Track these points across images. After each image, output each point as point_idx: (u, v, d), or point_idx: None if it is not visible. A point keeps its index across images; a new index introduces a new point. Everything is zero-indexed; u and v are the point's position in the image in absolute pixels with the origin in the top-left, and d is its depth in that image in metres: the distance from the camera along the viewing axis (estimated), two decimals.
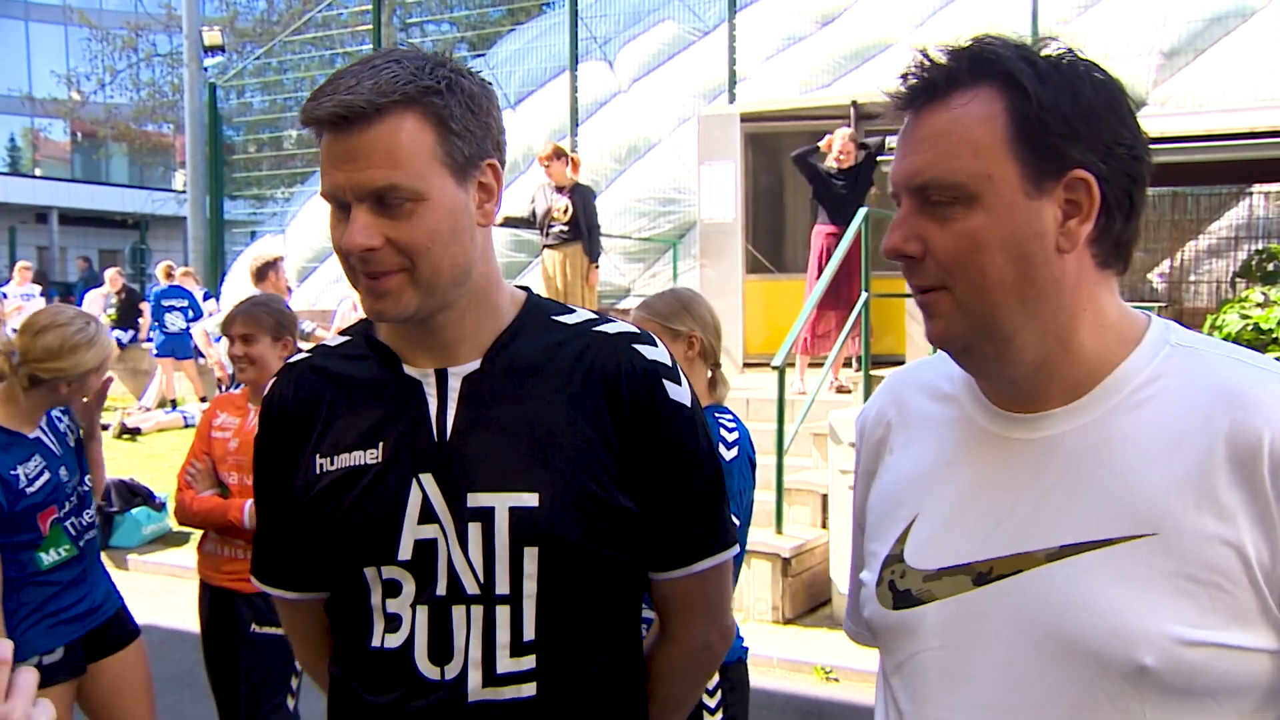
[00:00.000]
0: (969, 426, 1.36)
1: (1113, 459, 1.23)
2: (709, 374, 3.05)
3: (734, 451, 2.87)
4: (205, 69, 17.52)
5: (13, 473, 3.10)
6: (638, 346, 1.58)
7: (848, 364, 8.89)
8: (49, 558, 3.21)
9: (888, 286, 8.35)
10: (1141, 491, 1.20)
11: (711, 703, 2.80)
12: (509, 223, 10.27)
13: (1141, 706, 1.18)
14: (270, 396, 1.65)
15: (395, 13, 22.99)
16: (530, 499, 1.48)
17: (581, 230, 9.05)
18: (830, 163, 8.64)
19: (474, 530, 1.48)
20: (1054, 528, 1.25)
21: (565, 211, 8.99)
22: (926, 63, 1.27)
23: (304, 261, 15.51)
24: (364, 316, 5.92)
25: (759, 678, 3.84)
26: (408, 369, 1.56)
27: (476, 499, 1.49)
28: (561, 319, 1.61)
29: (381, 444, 1.53)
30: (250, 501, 3.55)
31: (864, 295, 8.23)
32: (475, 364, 1.55)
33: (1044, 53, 1.25)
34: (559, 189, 9.09)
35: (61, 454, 3.27)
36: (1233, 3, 10.96)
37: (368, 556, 1.51)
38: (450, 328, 1.53)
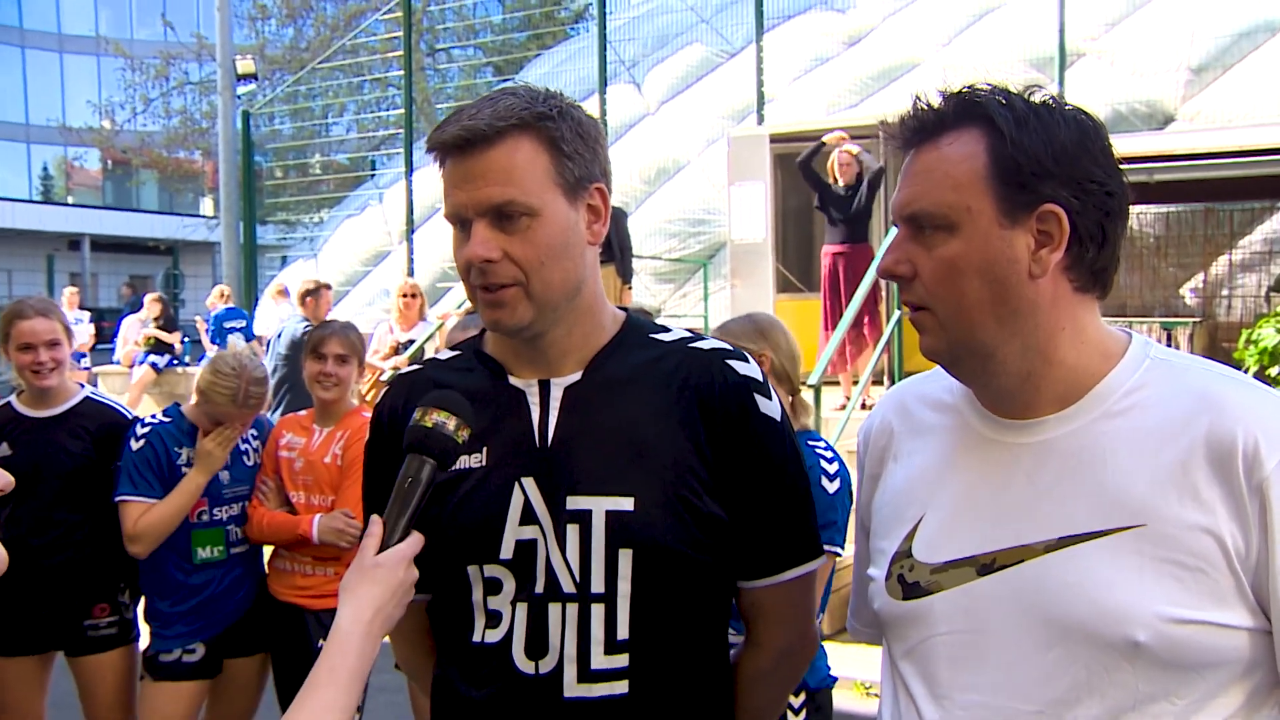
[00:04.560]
0: (968, 433, 1.51)
1: (1103, 459, 1.37)
2: (789, 399, 3.04)
3: (836, 484, 2.89)
4: (238, 97, 17.77)
5: (176, 449, 3.65)
6: (730, 362, 1.66)
7: (878, 381, 8.94)
8: (203, 552, 3.66)
9: None
10: (1131, 487, 1.34)
11: None
12: None
13: (1134, 679, 1.32)
14: (381, 406, 1.76)
15: (423, 38, 23.24)
16: (626, 503, 1.56)
17: (614, 252, 9.14)
18: (829, 172, 8.65)
19: (572, 532, 1.57)
20: (1051, 522, 1.38)
21: None
22: (922, 106, 1.44)
23: (336, 285, 15.61)
24: (399, 341, 6.08)
25: None
26: (513, 379, 1.66)
27: (575, 502, 1.57)
28: (658, 336, 1.71)
29: (486, 449, 1.62)
30: (320, 516, 3.66)
31: (897, 313, 8.31)
32: (577, 376, 1.64)
33: (1029, 97, 1.41)
34: None
35: (228, 463, 3.70)
36: (1261, 18, 11.00)
37: (471, 555, 1.61)
38: (557, 343, 1.63)
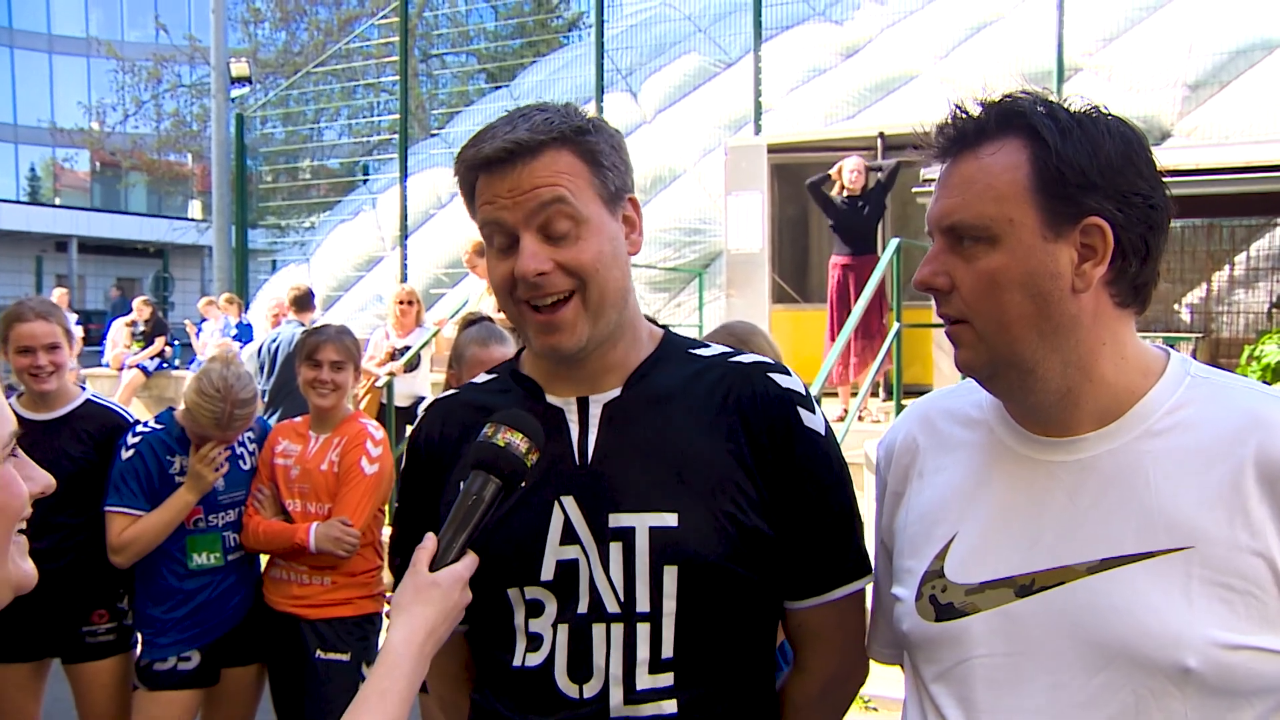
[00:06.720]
0: (1001, 449, 1.47)
1: (1147, 479, 1.34)
2: None
3: None
4: (231, 100, 17.69)
5: (168, 457, 3.58)
6: (772, 375, 1.64)
7: (874, 393, 8.93)
8: (199, 558, 3.59)
9: (917, 317, 8.39)
10: (1177, 508, 1.32)
11: None
12: None
13: (1184, 706, 1.28)
14: (418, 432, 1.73)
15: (417, 44, 23.22)
16: (670, 519, 1.53)
17: None
18: (838, 191, 8.76)
19: (615, 550, 1.54)
20: (1093, 542, 1.35)
21: None
22: (961, 115, 1.40)
23: (329, 290, 15.59)
24: (396, 347, 6.05)
25: None
26: (550, 398, 1.63)
27: (618, 519, 1.54)
28: (698, 352, 1.68)
29: None
30: (317, 525, 3.59)
31: (896, 326, 8.27)
32: (616, 392, 1.61)
33: (1070, 107, 1.37)
34: None
35: (224, 468, 3.63)
36: (1257, 35, 11.01)
37: (511, 578, 1.57)
38: (599, 358, 1.60)
